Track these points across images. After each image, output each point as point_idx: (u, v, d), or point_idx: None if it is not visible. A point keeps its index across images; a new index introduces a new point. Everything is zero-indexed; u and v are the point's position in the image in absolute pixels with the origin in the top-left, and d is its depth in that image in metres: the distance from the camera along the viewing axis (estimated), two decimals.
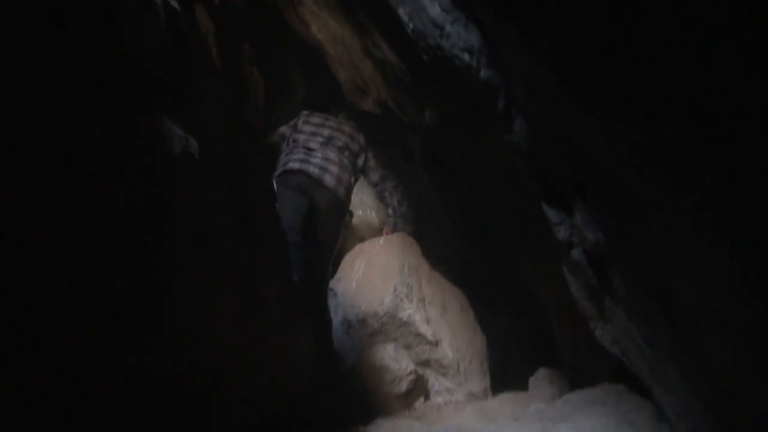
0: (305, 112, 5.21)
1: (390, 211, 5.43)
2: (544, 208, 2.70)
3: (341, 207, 4.88)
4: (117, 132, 1.83)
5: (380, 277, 4.71)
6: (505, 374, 5.12)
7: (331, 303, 4.92)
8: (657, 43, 1.42)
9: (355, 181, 5.15)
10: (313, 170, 4.75)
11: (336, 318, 4.77)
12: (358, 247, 5.22)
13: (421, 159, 5.42)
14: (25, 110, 1.45)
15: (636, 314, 2.52)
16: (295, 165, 4.78)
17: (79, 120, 1.63)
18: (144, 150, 1.93)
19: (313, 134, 4.98)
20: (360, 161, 5.13)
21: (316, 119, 5.09)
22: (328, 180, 4.75)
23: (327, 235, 4.79)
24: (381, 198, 5.56)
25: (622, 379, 3.17)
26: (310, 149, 4.87)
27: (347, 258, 5.13)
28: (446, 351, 4.54)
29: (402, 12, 2.94)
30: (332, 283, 4.97)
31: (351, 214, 5.44)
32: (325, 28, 4.91)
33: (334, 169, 4.80)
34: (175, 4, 2.55)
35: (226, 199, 2.61)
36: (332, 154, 4.87)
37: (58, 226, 1.54)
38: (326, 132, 4.99)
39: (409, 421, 3.73)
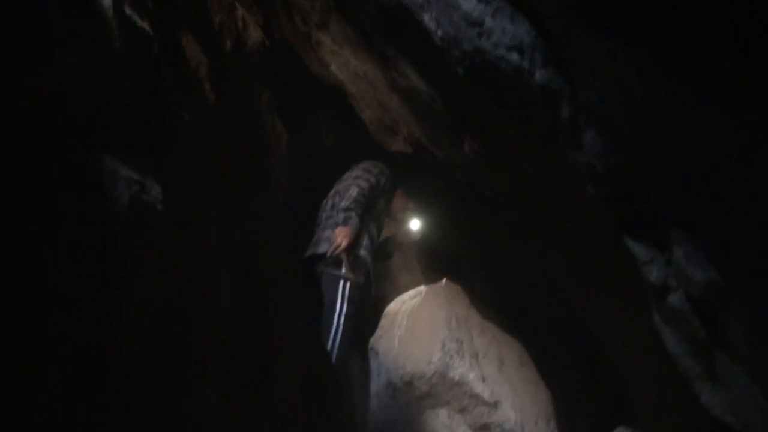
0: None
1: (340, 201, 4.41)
2: (628, 244, 2.03)
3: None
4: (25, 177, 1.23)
5: (426, 332, 4.04)
6: None
7: (373, 364, 4.26)
8: None
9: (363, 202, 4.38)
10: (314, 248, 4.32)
11: (379, 381, 4.10)
12: (398, 299, 4.56)
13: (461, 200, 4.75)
14: None
15: (765, 375, 1.82)
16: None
17: None
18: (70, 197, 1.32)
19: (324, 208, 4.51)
20: (353, 173, 4.49)
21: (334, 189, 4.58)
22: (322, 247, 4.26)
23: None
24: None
25: None
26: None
27: (387, 312, 4.47)
28: (508, 412, 3.83)
29: (427, 18, 2.33)
30: (373, 341, 4.30)
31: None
32: (346, 67, 4.34)
33: (325, 232, 4.31)
34: (145, 25, 1.97)
35: (216, 260, 1.99)
36: (329, 216, 4.37)
37: None
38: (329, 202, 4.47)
39: None
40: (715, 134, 1.53)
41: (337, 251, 4.14)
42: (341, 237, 4.15)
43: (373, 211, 4.55)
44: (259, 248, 2.66)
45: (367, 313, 4.56)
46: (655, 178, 1.77)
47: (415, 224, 4.92)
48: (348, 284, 4.11)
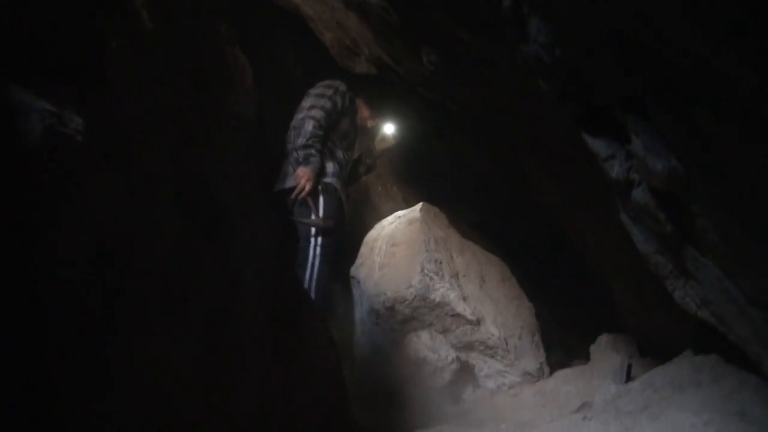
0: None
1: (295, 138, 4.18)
2: (586, 140, 1.89)
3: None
4: None
5: (404, 256, 3.93)
6: (562, 344, 4.33)
7: (355, 292, 4.17)
8: None
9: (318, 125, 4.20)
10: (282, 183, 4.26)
11: (362, 309, 4.01)
12: (377, 225, 4.44)
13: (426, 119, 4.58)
14: None
15: (736, 265, 1.71)
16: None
17: None
18: None
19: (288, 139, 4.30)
20: (307, 102, 4.31)
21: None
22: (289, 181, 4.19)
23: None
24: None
25: (712, 347, 2.36)
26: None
27: (366, 240, 4.35)
28: (491, 329, 3.75)
29: None
30: (353, 270, 4.21)
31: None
32: None
33: (289, 168, 4.22)
34: None
35: (158, 193, 1.85)
36: (293, 149, 4.21)
37: None
38: (291, 134, 4.27)
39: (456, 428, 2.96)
40: (666, 7, 1.38)
41: (302, 195, 4.03)
42: (304, 179, 4.03)
43: (336, 133, 4.39)
44: (216, 179, 2.52)
45: (344, 240, 4.46)
46: (606, 65, 1.62)
47: (389, 128, 4.75)
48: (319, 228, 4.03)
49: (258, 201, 3.22)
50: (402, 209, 5.29)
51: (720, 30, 1.29)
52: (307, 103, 4.27)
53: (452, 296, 3.73)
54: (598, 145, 1.87)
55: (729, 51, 1.28)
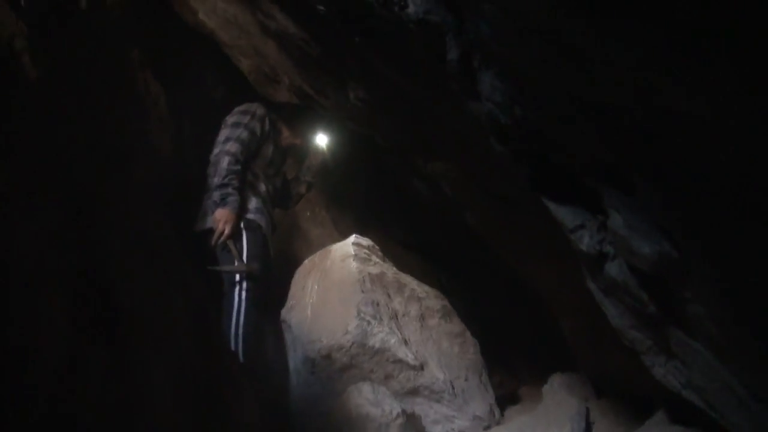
0: None
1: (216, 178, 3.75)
2: (549, 207, 1.57)
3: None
4: None
5: (338, 298, 3.57)
6: (511, 378, 4.05)
7: (287, 337, 3.78)
8: None
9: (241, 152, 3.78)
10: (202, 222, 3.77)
11: (296, 356, 3.63)
12: (307, 262, 4.06)
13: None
14: None
15: (736, 357, 1.41)
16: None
17: None
18: None
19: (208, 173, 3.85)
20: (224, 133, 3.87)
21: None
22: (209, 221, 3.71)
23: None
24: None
25: (689, 413, 2.08)
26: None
27: (296, 278, 3.98)
28: (435, 373, 3.43)
29: None
30: (284, 313, 3.82)
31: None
32: (214, 12, 3.72)
33: (210, 207, 3.74)
34: None
35: (45, 306, 1.43)
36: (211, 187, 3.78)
37: None
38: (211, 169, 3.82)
39: None
40: (651, 68, 1.06)
41: (222, 239, 3.60)
42: (221, 222, 3.60)
43: (259, 162, 3.98)
44: (116, 254, 2.08)
45: (273, 278, 4.04)
46: (577, 129, 1.30)
47: (321, 139, 4.32)
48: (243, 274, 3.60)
49: (171, 257, 2.79)
50: (332, 235, 4.95)
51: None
52: (222, 135, 3.84)
53: (392, 341, 3.39)
54: (563, 213, 1.55)
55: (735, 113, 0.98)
